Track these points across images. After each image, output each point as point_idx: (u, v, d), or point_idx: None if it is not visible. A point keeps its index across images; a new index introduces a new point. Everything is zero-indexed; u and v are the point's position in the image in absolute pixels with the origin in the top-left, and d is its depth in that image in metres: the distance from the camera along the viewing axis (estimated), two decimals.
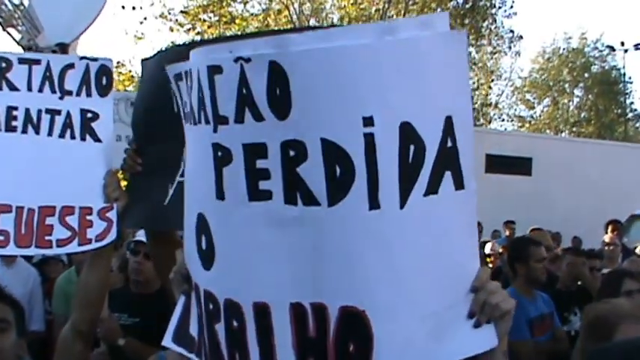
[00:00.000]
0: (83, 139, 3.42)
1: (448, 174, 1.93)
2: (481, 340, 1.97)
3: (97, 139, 3.44)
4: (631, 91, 51.32)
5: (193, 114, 2.16)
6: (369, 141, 1.86)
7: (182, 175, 3.15)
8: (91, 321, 3.35)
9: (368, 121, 1.85)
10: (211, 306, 2.18)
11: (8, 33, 15.54)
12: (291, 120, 1.90)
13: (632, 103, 49.26)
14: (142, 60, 3.46)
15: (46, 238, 3.29)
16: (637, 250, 9.92)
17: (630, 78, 62.86)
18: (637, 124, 50.44)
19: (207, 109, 2.04)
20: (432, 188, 1.91)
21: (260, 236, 2.01)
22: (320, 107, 1.88)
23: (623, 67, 45.66)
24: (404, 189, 1.89)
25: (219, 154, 2.04)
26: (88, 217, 3.32)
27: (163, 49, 3.72)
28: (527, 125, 46.19)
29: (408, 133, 1.88)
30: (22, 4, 15.07)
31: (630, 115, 48.05)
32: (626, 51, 43.24)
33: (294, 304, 2.00)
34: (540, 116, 47.27)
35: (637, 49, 42.18)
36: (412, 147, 1.88)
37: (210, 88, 2.01)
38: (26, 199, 3.30)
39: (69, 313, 5.84)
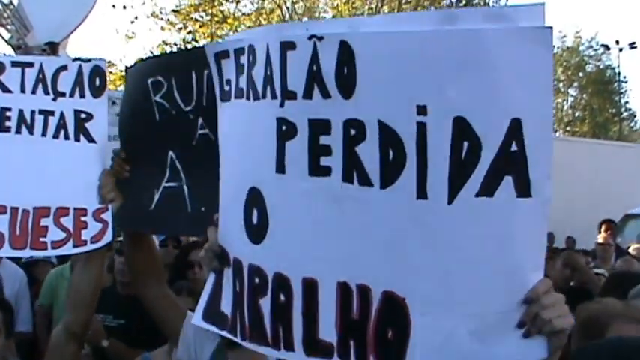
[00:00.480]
0: (77, 139, 3.39)
1: (509, 179, 1.85)
2: (529, 351, 1.90)
3: (92, 140, 3.41)
4: (625, 91, 51.12)
5: (254, 89, 2.20)
6: (421, 130, 1.88)
7: (168, 182, 3.17)
8: (84, 322, 3.32)
9: (421, 110, 1.87)
10: (257, 280, 2.23)
11: None
12: (355, 99, 1.96)
13: (626, 102, 49.52)
14: (126, 68, 3.51)
15: (41, 239, 3.27)
16: (630, 250, 9.92)
17: (625, 77, 63.16)
18: (631, 124, 50.66)
19: (275, 84, 2.10)
20: (486, 190, 1.86)
21: (316, 212, 2.07)
22: (380, 90, 1.93)
23: (618, 66, 45.92)
24: (453, 185, 1.87)
25: (284, 128, 2.10)
26: (83, 219, 3.29)
27: (144, 58, 3.74)
28: None
29: (462, 129, 1.85)
30: (11, 3, 14.97)
31: (625, 114, 48.20)
32: (620, 50, 43.37)
33: (341, 283, 2.05)
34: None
35: (632, 48, 42.29)
36: (466, 143, 1.85)
37: (280, 63, 2.08)
38: (21, 200, 3.27)
39: (53, 305, 5.86)
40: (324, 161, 2.03)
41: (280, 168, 2.12)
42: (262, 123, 2.17)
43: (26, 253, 3.33)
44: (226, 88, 2.37)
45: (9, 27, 14.95)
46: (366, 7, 27.85)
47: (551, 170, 1.86)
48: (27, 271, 6.74)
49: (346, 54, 1.95)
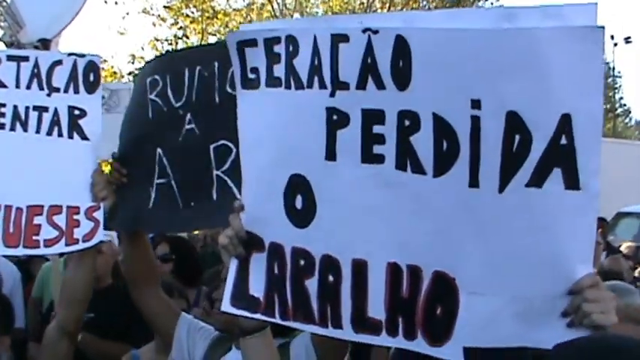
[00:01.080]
0: (70, 136, 3.38)
1: (557, 171, 1.92)
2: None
3: (85, 137, 3.39)
4: (620, 86, 51.22)
5: (295, 79, 2.27)
6: (475, 123, 1.95)
7: (158, 177, 3.18)
8: (77, 319, 3.34)
9: (475, 104, 1.94)
10: (302, 262, 2.33)
11: None
12: (410, 92, 2.03)
13: (621, 98, 49.54)
14: (136, 74, 3.55)
15: (34, 237, 3.26)
16: (622, 248, 9.88)
17: (620, 72, 62.84)
18: (626, 120, 50.46)
19: (325, 74, 2.18)
20: (536, 181, 1.93)
21: (368, 197, 2.17)
22: (435, 84, 2.00)
23: (613, 62, 45.51)
24: (504, 175, 1.95)
25: (335, 117, 2.19)
26: (75, 217, 3.28)
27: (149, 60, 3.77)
28: None
29: (514, 123, 1.92)
30: (4, 0, 14.89)
31: (619, 110, 48.03)
32: (615, 45, 43.15)
33: (391, 264, 2.17)
34: None
35: (627, 42, 42.14)
36: (517, 137, 1.92)
37: (331, 54, 2.15)
38: (15, 198, 3.27)
39: (42, 299, 5.84)
40: (377, 149, 2.13)
41: (330, 155, 2.22)
42: (308, 112, 2.25)
43: (19, 251, 3.33)
44: (251, 76, 2.40)
45: (1, 24, 14.88)
46: (357, 2, 27.74)
47: (599, 166, 1.91)
48: (22, 267, 6.71)
49: (402, 48, 2.01)
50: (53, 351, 3.33)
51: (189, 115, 3.04)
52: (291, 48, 2.27)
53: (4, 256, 5.79)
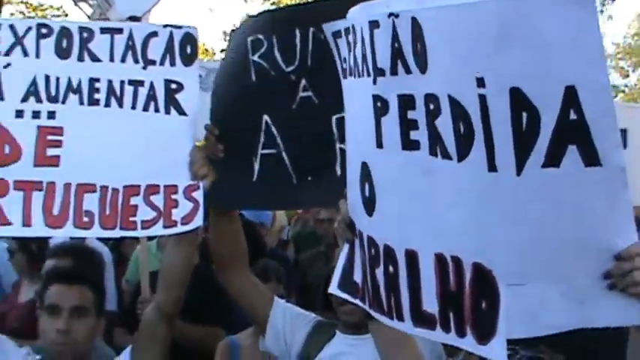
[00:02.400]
0: (167, 112, 3.21)
1: (573, 148, 1.83)
2: (623, 314, 1.91)
3: (182, 112, 3.22)
4: None
5: (357, 68, 2.29)
6: (483, 102, 1.89)
7: (264, 148, 3.03)
8: (175, 302, 3.20)
9: (480, 83, 1.89)
10: (373, 251, 2.33)
11: (80, 7, 15.59)
12: (429, 74, 2.00)
13: None
14: (231, 31, 3.39)
15: (131, 219, 3.12)
16: None
17: None
18: None
19: (368, 62, 2.19)
20: (552, 161, 1.85)
21: (411, 185, 2.14)
22: (446, 64, 1.96)
23: None
24: (520, 156, 1.88)
25: (378, 104, 2.18)
26: (173, 197, 3.13)
27: (249, 15, 3.57)
28: (621, 95, 44.30)
29: (519, 99, 1.85)
30: None
31: None
32: None
33: (437, 255, 2.11)
34: (636, 85, 45.28)
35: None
36: (525, 114, 1.85)
37: (370, 42, 2.16)
38: (110, 178, 3.13)
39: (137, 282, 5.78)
40: (413, 135, 2.10)
41: (379, 143, 2.20)
42: (363, 100, 2.25)
43: (116, 233, 3.20)
44: (344, 65, 2.43)
45: (90, 2, 15.07)
46: None
47: (619, 138, 1.85)
48: (114, 249, 6.69)
49: (417, 30, 1.99)
50: (151, 334, 3.23)
51: (303, 81, 2.88)
52: (352, 37, 2.31)
53: (98, 239, 5.77)
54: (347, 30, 2.33)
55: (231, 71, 3.25)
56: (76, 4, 15.60)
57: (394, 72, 2.10)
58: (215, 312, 4.57)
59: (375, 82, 2.17)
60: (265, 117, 3.02)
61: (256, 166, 3.06)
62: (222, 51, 24.22)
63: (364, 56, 2.21)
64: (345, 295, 2.52)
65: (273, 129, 3.00)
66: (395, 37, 2.06)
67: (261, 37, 3.02)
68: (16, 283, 5.83)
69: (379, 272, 2.30)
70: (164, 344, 3.23)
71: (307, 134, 2.72)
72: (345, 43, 2.37)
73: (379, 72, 2.15)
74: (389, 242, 2.25)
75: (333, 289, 2.56)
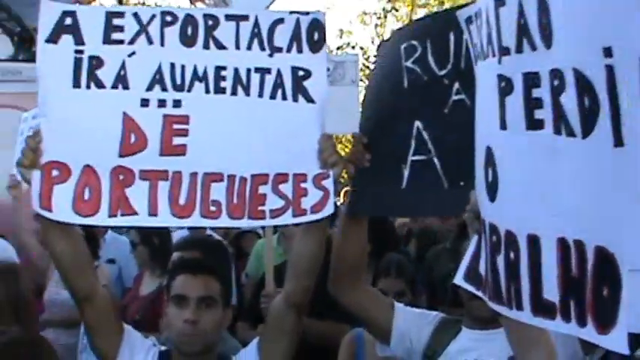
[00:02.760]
0: (295, 99, 3.14)
1: None
2: None
3: (310, 100, 3.14)
4: None
5: (483, 50, 2.28)
6: (610, 73, 1.81)
7: (415, 154, 2.97)
8: (305, 292, 3.13)
9: (607, 52, 1.81)
10: (494, 238, 2.27)
11: (195, 7, 15.85)
12: (554, 49, 1.95)
13: None
14: (380, 42, 3.40)
15: (259, 208, 3.06)
16: None
17: None
18: None
19: (493, 42, 2.17)
20: None
21: (535, 166, 2.07)
22: (572, 35, 1.91)
23: None
24: None
25: (502, 84, 2.14)
26: (303, 185, 3.06)
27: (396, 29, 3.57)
28: None
29: None
30: None
31: None
32: None
33: (560, 239, 2.02)
34: None
35: None
36: None
37: (496, 21, 2.13)
38: (238, 166, 3.07)
39: (258, 275, 5.77)
40: (537, 114, 2.04)
41: (503, 124, 2.16)
42: (486, 81, 2.24)
43: (244, 223, 3.13)
44: (476, 51, 2.41)
45: (207, 1, 15.30)
46: None
47: None
48: (234, 243, 6.75)
49: (542, 3, 1.96)
50: (280, 325, 3.18)
51: (456, 85, 2.82)
52: (478, 22, 2.32)
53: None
54: (476, 14, 2.32)
55: (382, 80, 3.24)
56: (192, 4, 15.88)
57: (519, 49, 2.06)
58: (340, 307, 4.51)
59: (500, 61, 2.15)
60: (417, 123, 2.96)
61: (405, 173, 3.01)
62: (338, 48, 24.41)
63: (489, 36, 2.20)
64: (469, 287, 2.49)
65: (425, 134, 2.95)
66: (521, 12, 2.03)
67: (415, 42, 2.99)
68: (137, 277, 5.94)
69: (500, 260, 2.24)
70: (293, 336, 3.17)
71: (459, 138, 2.64)
72: (475, 27, 2.35)
73: (504, 51, 2.12)
74: (510, 227, 2.19)
75: (458, 279, 2.53)
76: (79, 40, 3.02)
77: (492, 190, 2.27)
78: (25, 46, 10.87)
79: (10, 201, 5.80)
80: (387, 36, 28.71)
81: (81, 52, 3.02)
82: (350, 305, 3.30)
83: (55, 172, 2.90)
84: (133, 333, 3.21)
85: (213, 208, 3.02)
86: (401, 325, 3.21)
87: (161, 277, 5.46)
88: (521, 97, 2.07)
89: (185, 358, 3.12)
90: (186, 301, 3.09)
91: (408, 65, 3.00)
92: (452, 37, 2.85)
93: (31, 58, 11.77)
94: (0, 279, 3.62)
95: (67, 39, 3.01)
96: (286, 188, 3.05)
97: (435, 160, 2.90)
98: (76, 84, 2.99)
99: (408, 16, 25.67)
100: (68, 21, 3.01)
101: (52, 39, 3.00)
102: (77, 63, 3.01)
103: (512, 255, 2.18)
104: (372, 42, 27.57)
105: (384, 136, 3.09)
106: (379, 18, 26.37)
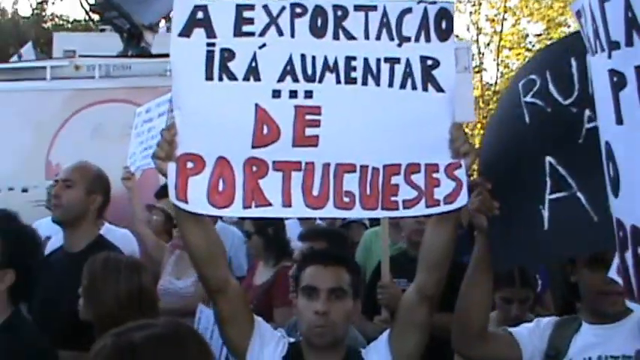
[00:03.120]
0: (425, 89, 3.09)
1: None
2: None
3: (440, 89, 3.09)
4: None
5: (591, 45, 2.28)
6: None
7: (552, 192, 2.83)
8: (437, 284, 3.09)
9: None
10: (621, 234, 2.25)
11: None
12: None
13: None
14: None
15: (392, 199, 3.03)
16: None
17: None
18: None
19: (601, 36, 2.16)
20: None
21: None
22: None
23: None
24: None
25: (615, 79, 2.13)
26: (435, 175, 3.02)
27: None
28: None
29: None
30: None
31: None
32: None
33: None
34: None
35: None
36: None
37: (602, 16, 2.13)
38: (370, 157, 3.05)
39: (365, 266, 5.76)
40: None
41: (619, 119, 2.14)
42: (600, 76, 2.24)
43: (377, 214, 3.11)
44: (587, 44, 2.38)
45: None
46: None
47: None
48: None
49: None
50: (411, 318, 3.13)
51: (587, 112, 2.68)
52: (584, 19, 2.31)
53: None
54: (583, 9, 2.30)
55: (501, 122, 3.15)
56: None
57: (629, 43, 2.04)
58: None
59: (610, 56, 2.14)
60: (548, 159, 2.84)
61: (546, 214, 2.85)
62: None
63: (595, 32, 2.19)
64: (620, 281, 2.38)
65: (561, 169, 2.81)
66: (628, 5, 2.00)
67: (533, 76, 2.91)
68: (251, 267, 6.01)
69: (628, 256, 2.20)
70: (424, 330, 3.13)
71: (600, 167, 2.47)
72: (584, 21, 2.33)
73: (613, 45, 2.11)
74: (635, 222, 2.15)
75: (612, 273, 2.48)
76: (210, 34, 3.04)
77: (615, 186, 2.25)
78: (134, 43, 11.15)
79: (125, 193, 5.95)
80: (481, 24, 28.48)
81: (213, 44, 3.03)
82: (479, 357, 3.27)
83: (189, 164, 2.93)
84: (263, 324, 3.22)
85: (346, 199, 3.01)
86: (527, 345, 3.17)
87: (274, 267, 5.53)
88: (635, 91, 2.04)
89: (315, 351, 3.12)
90: (316, 292, 3.10)
91: (527, 100, 2.91)
92: (574, 62, 2.74)
93: (140, 54, 12.12)
94: (127, 274, 3.68)
95: (199, 32, 3.03)
96: (418, 179, 3.02)
97: (579, 194, 2.76)
98: (209, 76, 3.01)
99: (503, 1, 25.19)
100: (200, 15, 3.04)
101: (185, 33, 3.02)
102: (209, 56, 3.03)
103: (638, 250, 2.15)
104: (468, 29, 27.23)
105: (512, 179, 2.98)
106: (473, 5, 26.01)
